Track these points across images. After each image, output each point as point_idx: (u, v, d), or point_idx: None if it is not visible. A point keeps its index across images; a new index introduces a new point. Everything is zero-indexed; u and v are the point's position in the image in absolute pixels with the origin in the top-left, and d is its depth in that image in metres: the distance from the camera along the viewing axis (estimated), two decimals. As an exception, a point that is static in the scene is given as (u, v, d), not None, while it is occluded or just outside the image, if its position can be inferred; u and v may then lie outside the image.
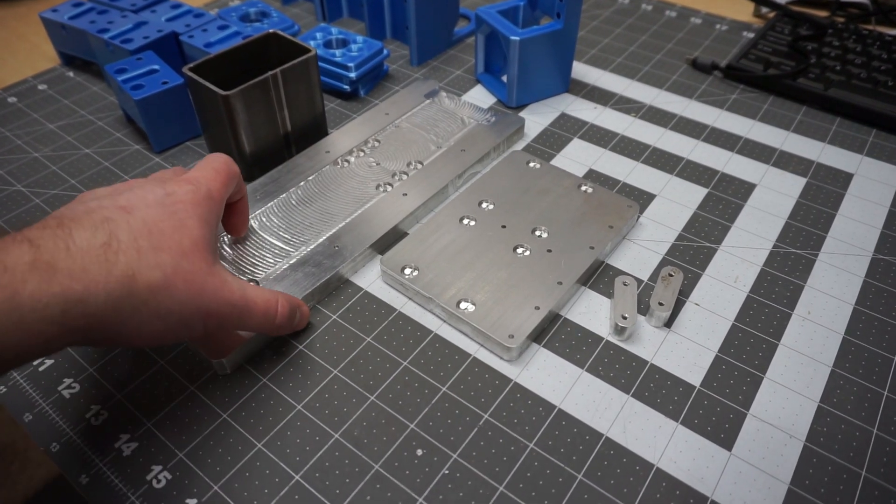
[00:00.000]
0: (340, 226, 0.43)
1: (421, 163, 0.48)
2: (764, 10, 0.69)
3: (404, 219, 0.44)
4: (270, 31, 0.49)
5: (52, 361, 0.37)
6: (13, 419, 0.34)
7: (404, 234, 0.44)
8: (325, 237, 0.42)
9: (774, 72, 0.57)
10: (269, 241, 0.42)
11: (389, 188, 0.46)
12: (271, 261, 0.40)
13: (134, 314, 0.27)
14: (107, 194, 0.31)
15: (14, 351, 0.24)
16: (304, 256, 0.41)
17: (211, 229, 0.32)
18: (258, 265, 0.40)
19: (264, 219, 0.43)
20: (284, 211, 0.44)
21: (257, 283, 0.39)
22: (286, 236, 0.42)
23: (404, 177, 0.47)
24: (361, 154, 0.49)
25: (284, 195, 0.45)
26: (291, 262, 0.40)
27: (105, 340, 0.28)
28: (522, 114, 0.55)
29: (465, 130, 0.51)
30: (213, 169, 0.35)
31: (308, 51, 0.47)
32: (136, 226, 0.28)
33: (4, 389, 0.35)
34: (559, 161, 0.50)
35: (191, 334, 0.31)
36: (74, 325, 0.25)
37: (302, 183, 0.46)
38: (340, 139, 0.50)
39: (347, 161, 0.48)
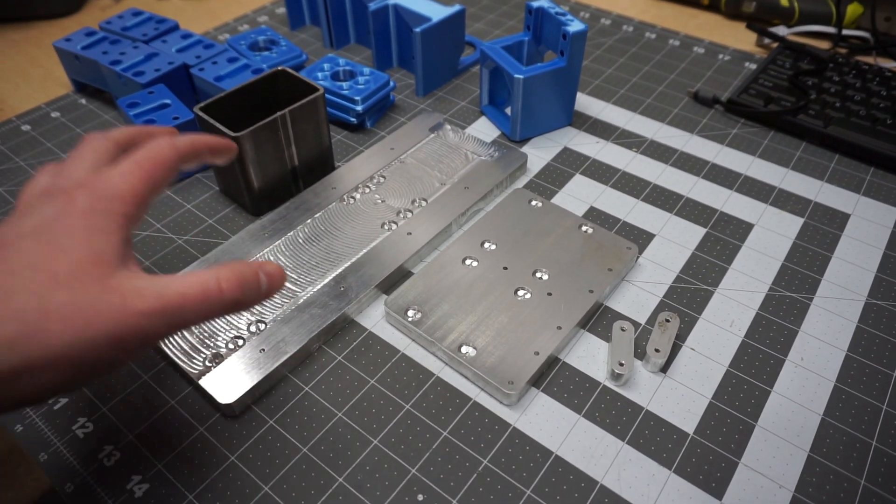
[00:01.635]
0: (346, 265, 0.44)
1: (425, 200, 0.49)
2: (766, 40, 0.70)
3: (409, 258, 0.45)
4: (279, 68, 0.50)
5: (66, 400, 0.38)
6: (32, 459, 0.36)
7: (409, 273, 0.46)
8: (331, 277, 0.43)
9: (775, 108, 0.58)
10: None
11: (394, 226, 0.47)
12: (279, 302, 0.42)
13: (14, 375, 0.24)
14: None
15: None
16: (311, 297, 0.42)
17: (107, 236, 0.28)
18: (266, 305, 0.41)
19: (272, 258, 0.44)
20: (292, 250, 0.45)
21: (265, 324, 0.40)
22: (293, 276, 0.43)
23: (409, 214, 0.48)
24: (367, 190, 0.50)
25: (292, 233, 0.46)
26: (298, 303, 0.42)
27: (13, 403, 0.25)
28: (525, 148, 0.56)
29: (469, 167, 0.52)
30: (134, 162, 0.31)
31: (316, 90, 0.48)
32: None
33: (21, 428, 0.37)
34: (561, 198, 0.51)
35: (109, 367, 0.27)
36: None
37: (309, 220, 0.47)
38: (347, 174, 0.51)
39: (353, 198, 0.49)
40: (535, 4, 0.55)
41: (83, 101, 0.62)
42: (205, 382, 0.37)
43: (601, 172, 0.54)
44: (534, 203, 0.48)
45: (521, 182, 0.53)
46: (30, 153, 0.56)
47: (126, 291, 0.27)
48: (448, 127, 0.56)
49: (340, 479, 0.34)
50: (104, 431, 0.36)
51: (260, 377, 0.37)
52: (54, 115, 0.60)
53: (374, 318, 0.43)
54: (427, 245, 0.46)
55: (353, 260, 0.45)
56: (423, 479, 0.34)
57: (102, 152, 0.32)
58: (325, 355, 0.40)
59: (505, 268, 0.44)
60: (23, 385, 0.24)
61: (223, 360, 0.38)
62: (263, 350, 0.39)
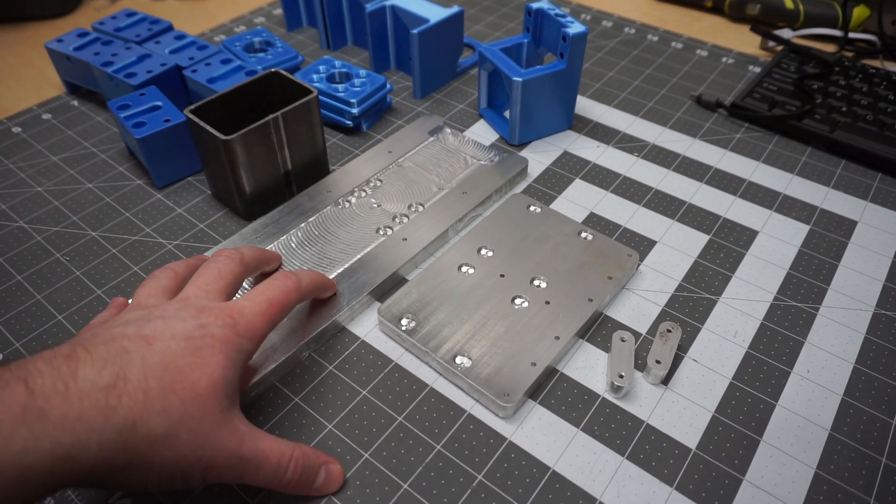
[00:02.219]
0: (339, 271, 0.43)
1: (422, 205, 0.48)
2: (771, 43, 0.69)
3: (403, 265, 0.44)
4: (272, 70, 0.49)
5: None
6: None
7: (403, 280, 0.44)
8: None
9: (780, 112, 0.57)
10: None
11: (390, 231, 0.46)
12: None
13: (127, 467, 0.25)
14: (138, 317, 0.29)
15: None
16: (301, 304, 0.41)
17: (235, 370, 0.30)
18: None
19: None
20: (285, 255, 0.44)
21: None
22: None
23: (405, 220, 0.47)
24: (363, 194, 0.49)
25: (285, 237, 0.45)
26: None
27: (90, 486, 0.27)
28: (525, 152, 0.55)
29: (468, 171, 0.51)
30: (266, 300, 0.33)
31: (309, 92, 0.47)
32: (151, 361, 0.27)
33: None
34: (560, 203, 0.50)
35: (186, 485, 0.29)
36: (59, 482, 0.24)
37: (303, 224, 0.46)
38: (342, 178, 0.50)
39: (349, 201, 0.48)
40: (534, 6, 0.54)
41: (75, 102, 0.61)
42: None
43: (602, 177, 0.52)
44: (532, 208, 0.47)
45: (521, 187, 0.52)
46: (20, 155, 0.55)
47: (233, 429, 0.29)
48: (448, 130, 0.55)
49: (329, 494, 0.33)
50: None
51: (253, 380, 0.36)
52: (45, 116, 0.59)
53: (367, 327, 0.41)
54: (423, 251, 0.45)
55: (347, 265, 0.43)
56: (415, 495, 0.33)
57: (238, 274, 0.35)
58: (315, 364, 0.39)
59: (502, 275, 0.42)
60: (124, 477, 0.26)
61: None
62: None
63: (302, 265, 0.43)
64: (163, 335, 0.28)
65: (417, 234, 0.46)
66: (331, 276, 0.42)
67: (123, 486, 0.27)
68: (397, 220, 0.47)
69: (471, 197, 0.49)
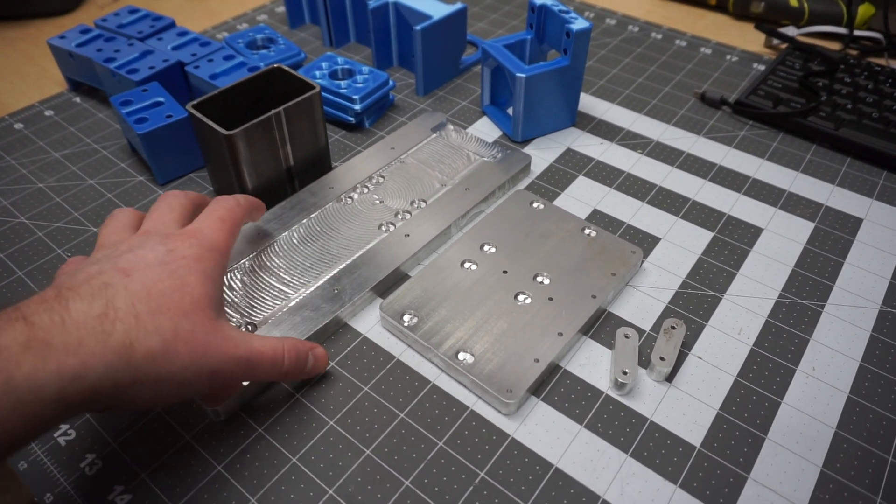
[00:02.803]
0: (341, 267, 0.43)
1: (424, 201, 0.48)
2: (775, 41, 0.69)
3: (406, 261, 0.43)
4: (275, 65, 0.49)
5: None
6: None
7: (406, 276, 0.44)
8: (325, 279, 0.42)
9: (784, 109, 0.56)
10: (268, 282, 0.42)
11: (392, 227, 0.46)
12: (270, 304, 0.40)
13: (133, 384, 0.27)
14: (107, 255, 0.30)
15: (13, 434, 0.24)
16: (303, 300, 0.41)
17: (214, 283, 0.32)
18: (256, 307, 0.40)
19: (265, 258, 0.43)
20: (286, 251, 0.44)
21: (255, 326, 0.39)
22: (286, 277, 0.42)
23: (407, 216, 0.47)
24: (365, 190, 0.49)
25: (286, 233, 0.45)
26: (290, 304, 0.40)
27: (105, 409, 0.28)
28: (528, 148, 0.55)
29: (471, 167, 0.51)
30: (217, 218, 0.35)
31: (312, 87, 0.47)
32: (134, 289, 0.28)
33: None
34: (564, 200, 0.50)
35: (196, 393, 0.31)
36: (72, 402, 0.25)
37: (304, 220, 0.46)
38: (345, 174, 0.50)
39: (351, 198, 0.48)
40: (538, 2, 0.54)
41: (77, 99, 0.61)
42: None
43: (605, 174, 0.52)
44: (535, 205, 0.47)
45: (524, 183, 0.51)
46: (21, 151, 0.54)
47: (226, 336, 0.31)
48: (451, 127, 0.55)
49: (331, 491, 0.33)
50: (86, 439, 0.35)
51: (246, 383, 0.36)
52: (48, 113, 0.59)
53: (370, 323, 0.41)
54: (425, 248, 0.45)
55: (349, 262, 0.43)
56: (417, 492, 0.33)
57: (187, 207, 0.37)
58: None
59: (505, 271, 0.42)
60: (133, 393, 0.27)
61: None
62: None
63: (303, 261, 0.43)
64: (138, 265, 0.30)
65: (420, 231, 0.45)
66: (333, 273, 0.42)
67: (136, 402, 0.28)
68: (399, 217, 0.47)
69: (473, 193, 0.48)
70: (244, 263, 0.43)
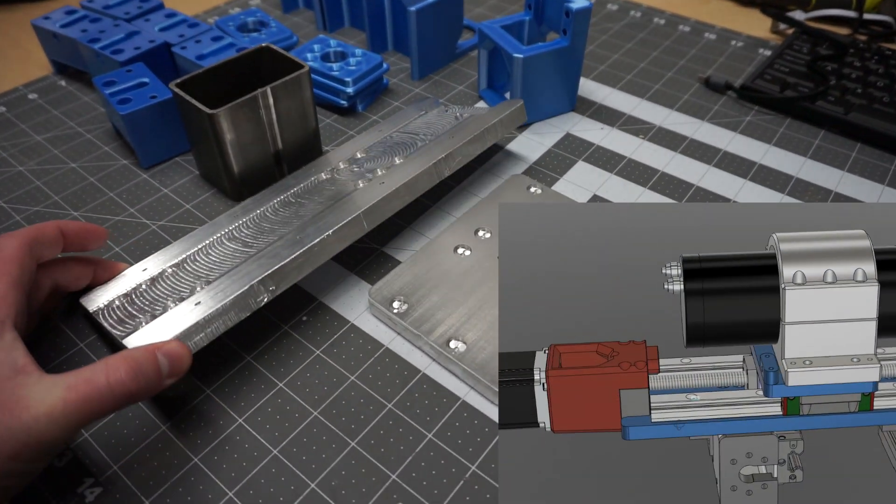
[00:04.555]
0: (307, 219, 0.40)
1: (406, 157, 0.45)
2: (782, 26, 0.67)
3: (377, 202, 0.40)
4: (263, 44, 0.47)
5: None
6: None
7: (396, 262, 0.42)
8: (289, 231, 0.39)
9: (792, 94, 0.54)
10: (231, 247, 0.39)
11: (370, 178, 0.43)
12: (229, 263, 0.38)
13: None
14: None
15: None
16: (264, 252, 0.38)
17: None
18: (214, 266, 0.38)
19: (236, 232, 0.41)
20: (256, 222, 0.41)
21: (210, 283, 0.36)
22: (250, 241, 0.40)
23: (386, 171, 0.44)
24: (348, 165, 0.46)
25: (261, 210, 0.43)
26: (250, 256, 0.38)
27: None
28: (526, 133, 0.53)
29: (459, 123, 0.48)
30: (16, 234, 0.32)
31: (301, 66, 0.45)
32: None
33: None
34: (562, 185, 0.48)
35: (18, 479, 0.27)
36: None
37: (282, 196, 0.44)
38: (335, 158, 0.48)
39: (332, 171, 0.46)
40: (536, -19, 0.52)
41: (62, 82, 0.59)
42: (130, 341, 0.33)
43: (606, 159, 0.50)
44: (533, 190, 0.45)
45: (521, 168, 0.49)
46: (3, 135, 0.53)
47: (7, 401, 0.26)
48: (443, 105, 0.53)
49: (313, 485, 0.31)
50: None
51: (193, 321, 0.33)
52: (31, 96, 0.57)
53: (357, 310, 0.39)
54: (403, 187, 0.41)
55: (316, 214, 0.41)
56: (404, 486, 0.31)
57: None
58: (301, 348, 0.37)
59: (499, 257, 0.40)
60: None
61: (155, 320, 0.35)
62: (199, 303, 0.35)
63: (271, 226, 0.40)
64: None
65: (397, 177, 0.42)
66: (298, 224, 0.40)
67: None
68: (380, 172, 0.44)
69: (458, 138, 0.45)
70: (201, 246, 0.40)
